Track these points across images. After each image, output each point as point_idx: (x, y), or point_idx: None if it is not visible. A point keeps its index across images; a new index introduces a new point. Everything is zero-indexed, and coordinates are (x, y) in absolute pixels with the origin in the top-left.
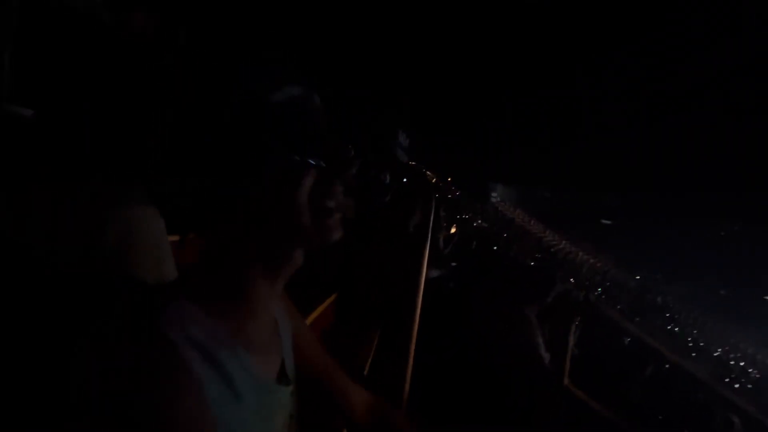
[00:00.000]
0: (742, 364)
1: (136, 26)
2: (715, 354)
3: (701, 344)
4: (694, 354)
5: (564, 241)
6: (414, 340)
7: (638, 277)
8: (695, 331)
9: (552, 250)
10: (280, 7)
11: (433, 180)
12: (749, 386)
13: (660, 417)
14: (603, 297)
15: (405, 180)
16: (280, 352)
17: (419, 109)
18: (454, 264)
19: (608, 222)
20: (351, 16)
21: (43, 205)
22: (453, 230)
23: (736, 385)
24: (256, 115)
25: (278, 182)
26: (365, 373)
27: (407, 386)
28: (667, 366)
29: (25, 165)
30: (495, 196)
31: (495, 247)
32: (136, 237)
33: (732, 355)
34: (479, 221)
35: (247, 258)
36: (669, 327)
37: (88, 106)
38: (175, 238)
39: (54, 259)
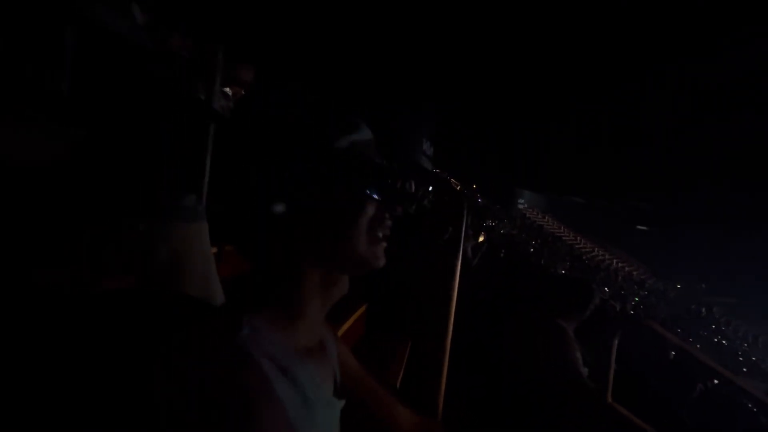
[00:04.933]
0: None
1: (175, 49)
2: None
3: (753, 359)
4: (745, 369)
5: (597, 249)
6: (447, 354)
7: (678, 287)
8: (745, 345)
9: (585, 258)
10: (302, 16)
11: (458, 187)
12: None
13: None
14: (641, 307)
15: (430, 188)
16: (334, 368)
17: (443, 117)
18: (483, 274)
19: (644, 228)
20: (374, 23)
21: (97, 223)
22: (481, 239)
23: None
24: (318, 146)
25: (340, 211)
26: (397, 387)
27: (441, 401)
28: (717, 382)
29: (82, 184)
30: (522, 203)
31: (525, 256)
32: (187, 251)
33: None
34: (507, 229)
35: (302, 279)
36: (716, 340)
37: (141, 129)
38: (213, 249)
39: (110, 274)
